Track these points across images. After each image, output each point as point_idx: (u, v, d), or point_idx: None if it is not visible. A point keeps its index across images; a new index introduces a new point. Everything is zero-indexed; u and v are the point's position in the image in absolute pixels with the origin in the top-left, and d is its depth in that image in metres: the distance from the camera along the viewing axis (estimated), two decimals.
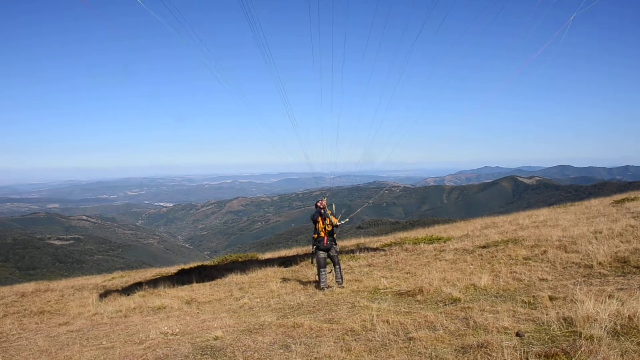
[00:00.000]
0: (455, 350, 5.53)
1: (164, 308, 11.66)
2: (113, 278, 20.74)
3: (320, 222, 11.71)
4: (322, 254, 11.62)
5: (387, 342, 6.34)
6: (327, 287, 11.30)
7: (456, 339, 6.07)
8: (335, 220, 11.81)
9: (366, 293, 10.31)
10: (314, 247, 11.73)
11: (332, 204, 12.40)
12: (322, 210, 11.81)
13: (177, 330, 8.56)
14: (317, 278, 11.91)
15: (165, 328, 8.71)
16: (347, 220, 12.27)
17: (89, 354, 7.56)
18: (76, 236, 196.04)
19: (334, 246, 11.76)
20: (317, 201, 12.09)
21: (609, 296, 6.82)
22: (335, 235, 11.92)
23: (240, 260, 20.28)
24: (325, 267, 11.57)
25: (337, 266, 11.75)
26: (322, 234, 11.64)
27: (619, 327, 5.47)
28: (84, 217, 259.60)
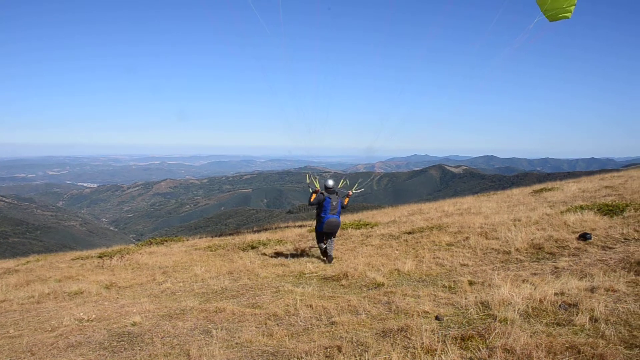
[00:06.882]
0: (376, 334, 5.56)
1: (82, 293, 11.05)
2: (28, 262, 19.46)
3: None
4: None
5: (310, 326, 6.29)
6: (327, 258, 11.70)
7: (378, 323, 6.11)
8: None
9: (291, 277, 10.25)
10: None
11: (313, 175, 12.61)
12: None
13: (94, 316, 8.12)
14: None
15: (81, 314, 8.25)
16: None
17: None
18: None
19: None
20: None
21: (524, 281, 7.13)
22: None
23: (165, 243, 19.66)
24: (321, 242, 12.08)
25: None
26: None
27: (530, 309, 5.70)
28: None
